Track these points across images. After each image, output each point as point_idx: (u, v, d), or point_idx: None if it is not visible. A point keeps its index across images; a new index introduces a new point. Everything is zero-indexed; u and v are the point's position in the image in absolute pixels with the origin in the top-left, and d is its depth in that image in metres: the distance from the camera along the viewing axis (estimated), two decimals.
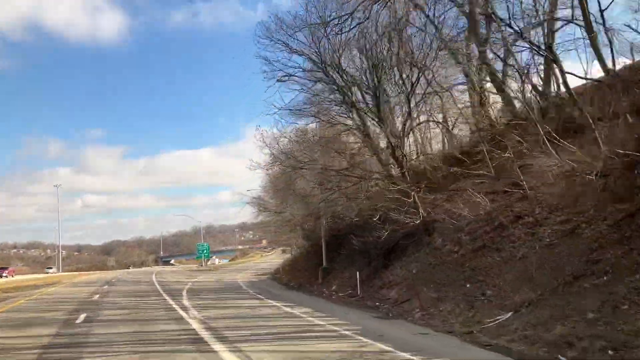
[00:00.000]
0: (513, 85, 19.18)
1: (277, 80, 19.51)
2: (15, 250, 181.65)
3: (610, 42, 14.82)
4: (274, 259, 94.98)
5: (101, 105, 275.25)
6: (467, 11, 19.12)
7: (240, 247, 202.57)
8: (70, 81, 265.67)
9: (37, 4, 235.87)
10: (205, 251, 74.40)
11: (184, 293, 25.32)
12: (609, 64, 15.15)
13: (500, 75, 19.32)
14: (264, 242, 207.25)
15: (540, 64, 18.11)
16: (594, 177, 12.17)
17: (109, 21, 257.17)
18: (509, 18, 16.68)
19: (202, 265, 74.27)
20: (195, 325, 12.84)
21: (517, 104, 18.98)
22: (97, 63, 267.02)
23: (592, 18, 14.89)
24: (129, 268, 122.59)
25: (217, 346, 9.47)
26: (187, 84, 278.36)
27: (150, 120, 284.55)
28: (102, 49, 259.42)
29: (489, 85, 19.72)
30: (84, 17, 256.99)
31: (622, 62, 15.94)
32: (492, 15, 17.29)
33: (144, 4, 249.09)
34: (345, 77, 18.93)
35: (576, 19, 15.84)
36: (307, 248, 37.26)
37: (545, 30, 17.58)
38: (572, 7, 15.86)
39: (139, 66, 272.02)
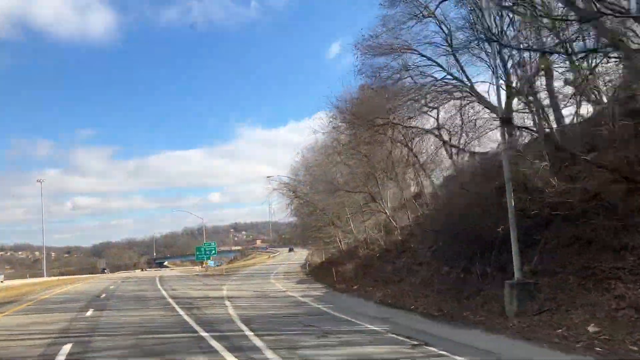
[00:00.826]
0: None
1: None
2: (2, 252, 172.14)
3: None
4: (284, 259, 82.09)
5: (91, 105, 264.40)
6: None
7: (235, 247, 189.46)
8: (59, 80, 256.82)
9: (26, 0, 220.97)
10: (212, 251, 60.17)
11: (248, 333, 12.34)
12: None
13: None
14: (259, 242, 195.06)
15: None
16: None
17: (99, 19, 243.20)
18: None
19: (205, 268, 60.67)
20: None
21: None
22: (86, 62, 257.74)
23: None
24: (104, 272, 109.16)
25: None
26: (178, 83, 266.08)
27: (140, 120, 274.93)
28: (91, 48, 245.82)
29: None
30: (73, 15, 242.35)
31: None
32: None
33: (134, 1, 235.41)
34: None
35: None
36: (400, 244, 24.31)
37: None
38: None
39: (129, 65, 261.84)
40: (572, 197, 13.29)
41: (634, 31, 10.26)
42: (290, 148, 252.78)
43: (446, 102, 23.04)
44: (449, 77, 21.01)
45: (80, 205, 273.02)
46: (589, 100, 14.42)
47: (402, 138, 25.23)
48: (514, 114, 15.47)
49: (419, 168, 25.55)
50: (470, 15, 15.66)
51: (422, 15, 20.68)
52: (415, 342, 10.59)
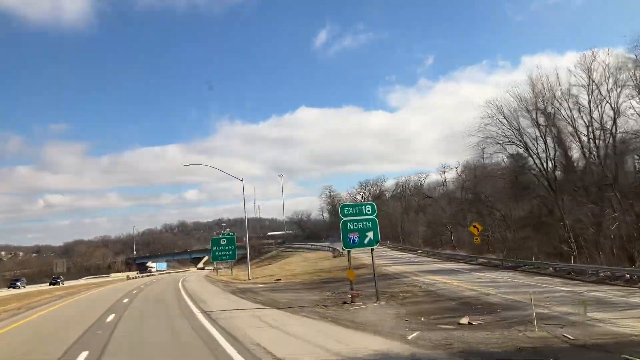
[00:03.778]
0: None
1: None
2: None
3: None
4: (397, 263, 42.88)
5: (63, 97, 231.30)
6: None
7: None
8: (29, 69, 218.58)
9: None
10: (371, 238, 18.97)
11: None
12: None
13: None
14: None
15: None
16: None
17: (73, 1, 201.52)
18: None
19: (353, 296, 20.57)
20: None
21: None
22: (59, 49, 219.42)
23: None
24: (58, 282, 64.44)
25: None
26: (155, 74, 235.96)
27: (115, 113, 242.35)
28: (64, 34, 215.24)
29: None
30: None
31: None
32: None
33: None
34: None
35: None
36: None
37: None
38: None
39: (104, 53, 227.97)
40: None
41: None
42: (270, 144, 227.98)
43: None
44: None
45: (52, 203, 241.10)
46: None
47: None
48: None
49: None
50: None
51: None
52: None
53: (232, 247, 51.32)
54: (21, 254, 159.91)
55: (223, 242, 51.26)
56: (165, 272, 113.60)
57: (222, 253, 50.56)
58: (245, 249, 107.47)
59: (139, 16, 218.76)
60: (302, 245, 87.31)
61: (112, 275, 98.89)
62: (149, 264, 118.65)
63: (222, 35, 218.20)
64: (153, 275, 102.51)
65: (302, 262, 57.76)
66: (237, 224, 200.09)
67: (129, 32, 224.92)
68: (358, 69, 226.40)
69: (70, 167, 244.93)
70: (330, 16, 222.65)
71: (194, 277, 57.54)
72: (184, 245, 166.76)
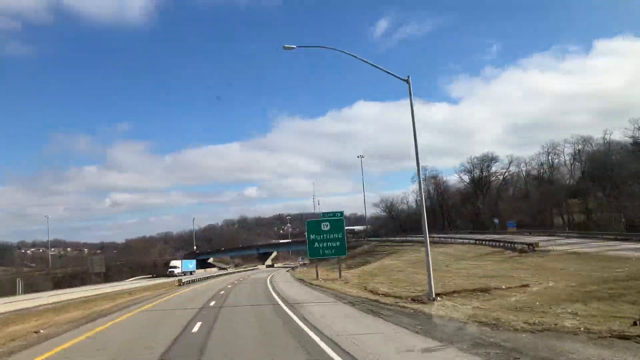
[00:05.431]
0: None
1: None
2: (34, 249, 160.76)
3: None
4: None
5: (127, 95, 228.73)
6: None
7: (283, 240, 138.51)
8: (94, 69, 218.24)
9: None
10: None
11: None
12: None
13: None
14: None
15: None
16: None
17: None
18: None
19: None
20: None
21: None
22: (122, 47, 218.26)
23: None
24: None
25: None
26: (216, 69, 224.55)
27: (177, 111, 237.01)
28: (128, 32, 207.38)
29: None
30: None
31: None
32: None
33: None
34: None
35: None
36: None
37: None
38: None
39: (166, 50, 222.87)
40: None
41: None
42: (327, 140, 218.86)
43: None
44: None
45: (118, 201, 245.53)
46: None
47: None
48: None
49: None
50: None
51: None
52: None
53: (340, 236, 28.65)
54: (86, 250, 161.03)
55: (325, 227, 29.26)
56: (193, 274, 78.21)
57: (325, 244, 29.21)
58: (283, 245, 79.90)
59: (200, 11, 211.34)
60: (406, 238, 62.77)
61: (152, 280, 76.66)
62: (172, 263, 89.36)
63: (280, 28, 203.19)
64: (201, 279, 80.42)
65: (464, 264, 33.72)
66: (297, 218, 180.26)
67: (190, 28, 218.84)
68: (419, 58, 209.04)
69: (135, 166, 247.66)
70: (391, 3, 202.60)
71: (289, 288, 33.18)
72: (246, 240, 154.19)
